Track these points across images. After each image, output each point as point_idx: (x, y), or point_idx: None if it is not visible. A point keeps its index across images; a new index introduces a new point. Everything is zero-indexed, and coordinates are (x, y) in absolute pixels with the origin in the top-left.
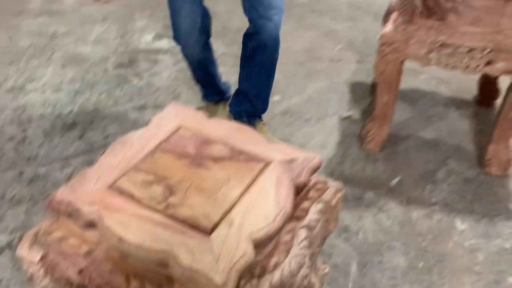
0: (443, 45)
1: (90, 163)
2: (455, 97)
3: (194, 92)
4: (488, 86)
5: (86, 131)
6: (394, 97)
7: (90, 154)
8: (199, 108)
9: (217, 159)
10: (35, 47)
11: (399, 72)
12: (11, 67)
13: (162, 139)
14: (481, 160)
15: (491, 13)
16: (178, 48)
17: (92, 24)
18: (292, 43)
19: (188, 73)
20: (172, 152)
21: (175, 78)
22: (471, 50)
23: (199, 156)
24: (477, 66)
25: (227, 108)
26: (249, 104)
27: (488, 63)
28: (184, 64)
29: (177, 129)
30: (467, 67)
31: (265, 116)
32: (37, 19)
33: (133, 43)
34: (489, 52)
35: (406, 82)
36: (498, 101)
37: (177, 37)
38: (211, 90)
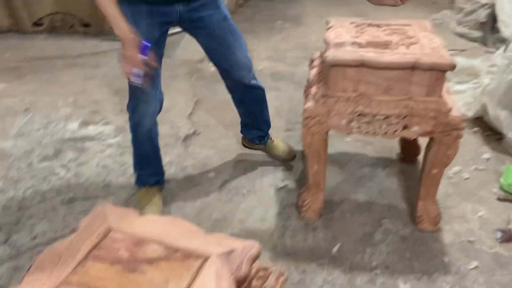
0: (361, 114)
1: (17, 269)
2: (380, 157)
3: (125, 179)
4: (408, 144)
5: (12, 234)
6: (324, 165)
7: (17, 260)
8: (132, 195)
9: (152, 261)
10: None
11: (325, 142)
12: None
13: (92, 246)
14: (413, 217)
15: (401, 82)
16: (105, 133)
17: (13, 117)
18: (222, 117)
19: (117, 159)
20: (104, 259)
21: (104, 166)
22: (387, 117)
23: (133, 260)
24: (395, 131)
25: (161, 197)
26: (257, 130)
27: (405, 127)
28: (112, 150)
29: (108, 232)
30: (386, 132)
31: (202, 197)
32: None
33: (58, 133)
34: (404, 117)
35: (333, 146)
36: (420, 157)
37: (134, 106)
38: (150, 171)
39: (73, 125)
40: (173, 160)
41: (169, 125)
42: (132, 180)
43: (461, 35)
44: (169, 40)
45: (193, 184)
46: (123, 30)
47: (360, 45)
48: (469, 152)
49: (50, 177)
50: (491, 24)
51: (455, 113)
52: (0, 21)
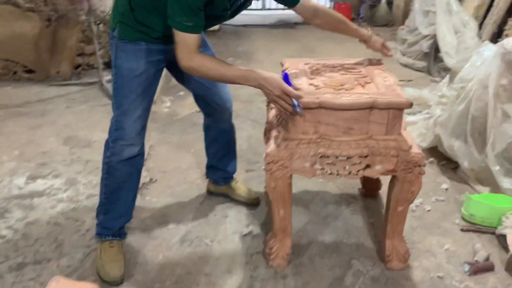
0: (324, 156)
1: None
2: (343, 193)
3: (79, 236)
4: (369, 179)
5: None
6: (290, 210)
7: None
8: (88, 254)
9: None
10: None
11: (290, 185)
12: None
13: None
14: (381, 255)
15: (360, 122)
16: (55, 187)
17: None
18: (179, 161)
19: (70, 215)
20: None
21: (55, 223)
22: (349, 157)
23: None
24: (358, 171)
25: (122, 251)
26: (223, 172)
27: (367, 166)
28: (64, 206)
29: None
30: (349, 173)
31: (163, 251)
32: None
33: (3, 191)
34: (365, 157)
35: (296, 185)
36: (382, 191)
37: (123, 137)
38: (117, 212)
39: (20, 181)
40: None
41: None
42: (88, 236)
43: (406, 66)
44: None
45: (153, 237)
46: (261, 75)
47: (317, 87)
48: (428, 183)
49: None
50: (434, 54)
51: (415, 150)
52: None
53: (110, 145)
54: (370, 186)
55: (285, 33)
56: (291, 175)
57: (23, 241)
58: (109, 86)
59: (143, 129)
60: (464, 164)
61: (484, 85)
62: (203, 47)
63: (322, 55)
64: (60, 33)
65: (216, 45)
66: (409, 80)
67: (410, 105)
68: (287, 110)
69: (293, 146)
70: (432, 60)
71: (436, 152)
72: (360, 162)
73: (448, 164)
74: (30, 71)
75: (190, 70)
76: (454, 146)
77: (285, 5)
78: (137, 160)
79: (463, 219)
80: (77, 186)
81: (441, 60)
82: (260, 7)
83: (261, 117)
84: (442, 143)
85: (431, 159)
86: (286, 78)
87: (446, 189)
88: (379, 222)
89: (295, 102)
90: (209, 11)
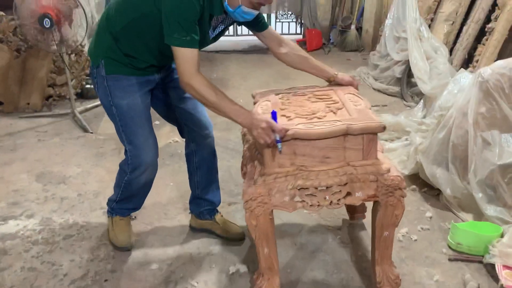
0: (303, 188)
1: None
2: (328, 223)
3: (56, 281)
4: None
5: None
6: (274, 246)
7: None
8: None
9: None
10: None
11: (272, 221)
12: None
13: None
14: (373, 285)
15: (335, 150)
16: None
17: None
18: (159, 196)
19: (46, 258)
20: None
21: (30, 268)
22: (329, 187)
23: None
24: (339, 200)
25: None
26: (207, 203)
27: (348, 194)
28: (39, 248)
29: None
30: (331, 203)
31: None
32: None
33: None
34: (345, 184)
35: (280, 218)
36: (367, 220)
37: (140, 167)
38: (129, 206)
39: None
40: (109, 252)
41: (101, 211)
42: (66, 282)
43: (379, 91)
44: (91, 113)
45: (135, 280)
46: (247, 114)
47: (289, 118)
48: (412, 212)
49: None
50: (406, 80)
51: (394, 173)
52: None
53: (127, 173)
54: (354, 210)
55: (258, 59)
56: (272, 211)
57: None
58: (82, 117)
59: (155, 155)
60: (447, 191)
61: (463, 113)
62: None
63: (297, 81)
64: (30, 63)
65: None
66: (383, 105)
67: (383, 128)
68: (267, 145)
69: (270, 181)
70: (405, 86)
71: (418, 179)
72: (340, 191)
73: (430, 191)
74: None
75: (189, 88)
76: (436, 174)
77: (253, 30)
78: (152, 180)
79: (450, 248)
80: (53, 226)
81: (414, 85)
82: (232, 33)
83: (240, 146)
84: (423, 170)
85: (413, 186)
86: (274, 115)
87: (430, 217)
88: (367, 251)
89: (278, 138)
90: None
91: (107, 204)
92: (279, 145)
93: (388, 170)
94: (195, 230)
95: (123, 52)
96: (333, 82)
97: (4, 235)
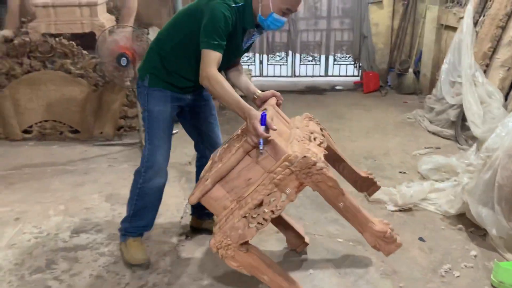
0: (248, 214)
1: None
2: (371, 254)
3: None
4: (357, 180)
5: None
6: (271, 267)
7: None
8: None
9: None
10: None
11: (249, 252)
12: None
13: None
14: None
15: (251, 169)
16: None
17: (3, 227)
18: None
19: (111, 268)
20: None
21: (97, 276)
22: (264, 200)
23: None
24: (277, 205)
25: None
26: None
27: (283, 194)
28: (105, 259)
29: None
30: (273, 212)
31: None
32: None
33: (50, 243)
34: (275, 190)
35: (325, 247)
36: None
37: (153, 167)
38: (142, 224)
39: (65, 235)
40: (166, 267)
41: (160, 230)
42: None
43: (434, 133)
44: None
45: None
46: (248, 107)
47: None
48: (457, 250)
49: None
50: (461, 123)
51: (299, 156)
52: None
53: (142, 174)
54: (365, 185)
55: (313, 99)
56: (243, 244)
57: None
58: None
59: (167, 159)
60: (492, 231)
61: (510, 155)
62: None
63: (351, 121)
64: (105, 97)
65: None
66: (437, 148)
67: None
68: (251, 143)
69: (223, 225)
70: (459, 129)
71: (464, 218)
72: (274, 199)
73: (476, 231)
74: (75, 131)
75: (206, 80)
76: (482, 214)
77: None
78: (162, 187)
79: (492, 286)
80: (118, 241)
81: (468, 129)
82: (290, 74)
83: None
84: (469, 210)
85: (460, 225)
86: (263, 118)
87: (475, 256)
88: (410, 286)
89: (261, 140)
90: (228, 43)
91: (120, 229)
92: (261, 146)
93: (296, 157)
94: (195, 230)
95: (168, 70)
96: (257, 100)
97: (77, 246)
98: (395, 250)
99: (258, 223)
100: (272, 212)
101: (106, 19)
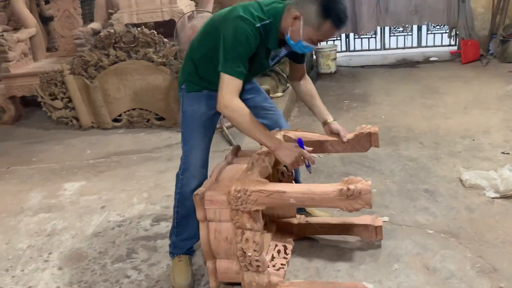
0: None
1: None
2: (467, 249)
3: (195, 279)
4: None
5: None
6: None
7: None
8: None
9: None
10: (33, 248)
11: None
12: (7, 275)
13: None
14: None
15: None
16: None
17: (90, 215)
18: None
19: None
20: None
21: None
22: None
23: None
24: None
25: (190, 263)
26: None
27: None
28: None
29: None
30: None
31: None
32: (36, 216)
33: (132, 232)
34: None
35: (413, 240)
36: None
37: (189, 169)
38: (187, 234)
39: (146, 223)
40: None
41: None
42: (203, 281)
43: None
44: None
45: None
46: (277, 140)
47: None
48: None
49: (122, 280)
50: None
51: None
52: (84, 120)
53: (180, 177)
54: (364, 142)
55: (406, 73)
56: None
57: (145, 282)
58: (228, 132)
59: (204, 163)
60: None
61: None
62: (256, 92)
63: (447, 95)
64: None
65: (332, 88)
66: None
67: None
68: (299, 164)
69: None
70: None
71: None
72: (247, 239)
73: None
74: (161, 119)
75: (227, 111)
76: None
77: (293, 60)
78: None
79: None
80: None
81: None
82: (379, 47)
83: (376, 163)
84: None
85: None
86: (300, 143)
87: None
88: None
89: (307, 163)
90: (250, 62)
91: (169, 245)
92: (309, 168)
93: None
94: None
95: (200, 76)
96: (325, 127)
97: (157, 234)
98: (361, 207)
99: (257, 266)
100: (255, 251)
101: (185, 5)
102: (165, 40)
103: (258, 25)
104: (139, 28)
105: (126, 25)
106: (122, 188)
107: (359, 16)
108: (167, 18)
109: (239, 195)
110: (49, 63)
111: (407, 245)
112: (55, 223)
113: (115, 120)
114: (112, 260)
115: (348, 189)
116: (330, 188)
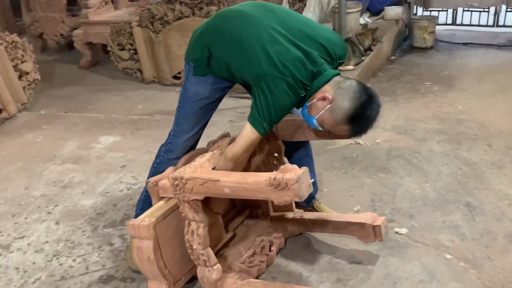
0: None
1: None
2: None
3: None
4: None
5: None
6: None
7: None
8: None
9: None
10: (45, 198)
11: None
12: (11, 220)
13: None
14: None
15: None
16: None
17: (108, 173)
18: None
19: None
20: None
21: None
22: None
23: None
24: None
25: None
26: None
27: None
28: None
29: None
30: None
31: None
32: (62, 165)
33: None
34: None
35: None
36: None
37: (174, 151)
38: None
39: None
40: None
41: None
42: None
43: None
44: None
45: None
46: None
47: None
48: None
49: (104, 246)
50: None
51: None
52: (147, 73)
53: (161, 154)
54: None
55: None
56: None
57: (124, 253)
58: None
59: (191, 149)
60: None
61: None
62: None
63: None
64: None
65: (419, 66)
66: None
67: None
68: None
69: None
70: None
71: None
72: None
73: None
74: None
75: (230, 162)
76: None
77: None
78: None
79: None
80: None
81: None
82: (491, 23)
83: (425, 164)
84: None
85: None
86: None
87: None
88: None
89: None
90: None
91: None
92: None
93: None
94: None
95: (211, 67)
96: None
97: None
98: (290, 199)
99: (204, 260)
100: (199, 244)
101: None
102: None
103: (302, 95)
104: None
105: None
106: (149, 149)
107: None
108: None
109: (176, 182)
110: (127, 13)
111: (413, 268)
112: (74, 176)
113: (175, 77)
114: (105, 224)
115: (275, 178)
116: (262, 177)
